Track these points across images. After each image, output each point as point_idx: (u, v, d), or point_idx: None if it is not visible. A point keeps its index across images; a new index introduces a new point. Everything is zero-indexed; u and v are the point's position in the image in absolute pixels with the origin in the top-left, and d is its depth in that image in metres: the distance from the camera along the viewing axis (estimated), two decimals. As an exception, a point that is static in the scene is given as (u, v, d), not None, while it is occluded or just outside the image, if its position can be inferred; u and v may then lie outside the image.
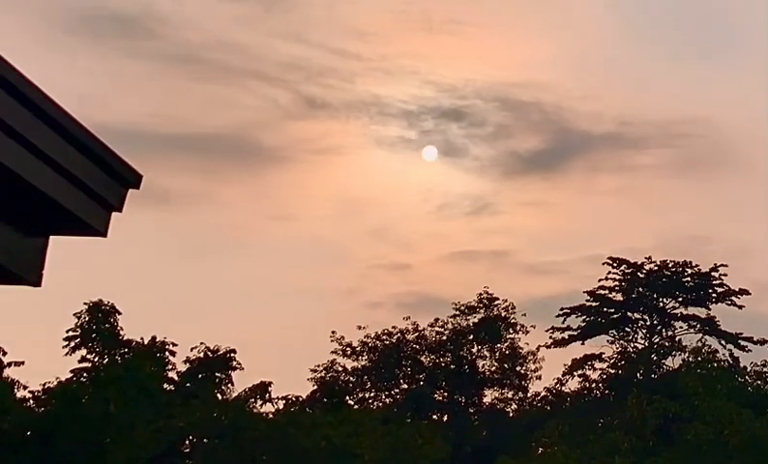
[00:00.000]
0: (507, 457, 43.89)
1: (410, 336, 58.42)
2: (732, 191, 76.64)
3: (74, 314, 38.56)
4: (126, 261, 62.01)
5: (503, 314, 58.50)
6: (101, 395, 31.69)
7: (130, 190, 5.22)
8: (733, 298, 56.87)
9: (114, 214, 5.21)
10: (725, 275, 56.98)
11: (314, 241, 76.09)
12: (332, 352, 57.29)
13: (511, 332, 58.30)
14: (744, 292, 56.69)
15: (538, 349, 58.09)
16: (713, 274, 57.09)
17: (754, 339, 55.19)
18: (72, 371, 34.96)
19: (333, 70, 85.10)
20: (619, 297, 57.92)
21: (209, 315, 66.40)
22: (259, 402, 40.81)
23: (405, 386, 58.31)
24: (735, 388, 39.67)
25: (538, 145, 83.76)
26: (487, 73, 79.49)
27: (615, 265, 57.81)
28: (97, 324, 38.14)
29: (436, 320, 58.77)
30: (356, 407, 52.84)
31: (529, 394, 57.33)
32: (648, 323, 57.95)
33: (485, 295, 58.77)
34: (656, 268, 57.63)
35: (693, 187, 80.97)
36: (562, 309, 57.88)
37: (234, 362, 43.21)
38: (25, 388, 34.08)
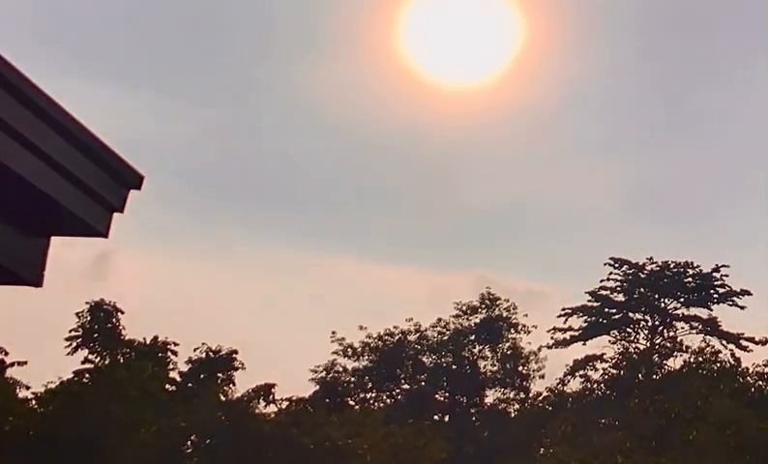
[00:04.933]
0: (509, 458, 43.92)
1: (411, 337, 58.37)
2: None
3: (77, 314, 38.56)
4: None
5: (505, 314, 58.48)
6: (102, 396, 31.70)
7: (131, 191, 5.22)
8: (734, 298, 56.85)
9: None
10: (727, 275, 57.02)
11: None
12: (333, 352, 57.30)
13: (512, 332, 58.29)
14: (745, 292, 56.67)
15: (539, 349, 58.12)
16: (714, 274, 57.07)
17: (756, 340, 55.15)
18: (74, 372, 34.94)
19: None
20: (621, 297, 57.89)
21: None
22: (262, 403, 40.81)
23: (407, 386, 58.24)
24: (737, 388, 39.62)
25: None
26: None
27: (617, 266, 57.79)
28: (99, 324, 38.11)
29: (438, 320, 58.76)
30: (357, 408, 52.81)
31: (531, 395, 57.29)
32: (650, 323, 57.91)
33: (486, 295, 58.77)
34: (657, 268, 57.59)
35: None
36: (564, 310, 57.92)
37: (236, 363, 43.23)
38: (27, 388, 34.11)
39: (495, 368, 58.10)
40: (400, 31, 71.56)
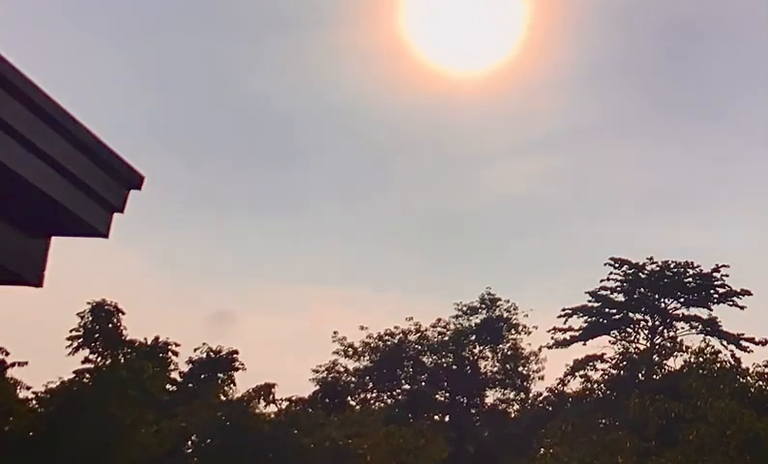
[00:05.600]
0: (509, 458, 43.96)
1: (412, 337, 58.41)
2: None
3: (78, 314, 38.53)
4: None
5: (505, 315, 58.51)
6: (103, 396, 31.69)
7: (131, 191, 5.23)
8: (735, 298, 56.83)
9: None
10: (727, 275, 56.99)
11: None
12: (334, 352, 57.34)
13: (513, 332, 58.32)
14: (745, 292, 56.65)
15: (540, 350, 58.16)
16: (714, 274, 57.04)
17: (756, 340, 55.18)
18: (74, 372, 34.92)
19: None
20: (621, 297, 57.88)
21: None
22: (262, 403, 40.83)
23: (407, 386, 58.29)
24: (737, 388, 39.60)
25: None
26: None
27: (617, 266, 57.78)
28: (100, 324, 38.08)
29: (438, 320, 58.82)
30: (357, 407, 52.83)
31: (531, 395, 57.33)
32: (650, 323, 57.90)
33: (487, 296, 58.79)
34: (657, 268, 57.58)
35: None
36: (564, 310, 57.91)
37: (236, 363, 43.27)
38: (28, 388, 34.04)
39: (496, 369, 58.17)
40: (403, 18, 71.57)
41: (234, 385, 42.17)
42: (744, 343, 55.39)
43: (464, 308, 58.79)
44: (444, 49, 70.35)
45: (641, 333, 57.85)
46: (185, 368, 42.81)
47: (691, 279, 57.42)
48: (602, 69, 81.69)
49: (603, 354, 54.85)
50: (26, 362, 33.78)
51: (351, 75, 79.38)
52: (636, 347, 56.64)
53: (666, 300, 57.80)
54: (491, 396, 58.34)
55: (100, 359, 37.05)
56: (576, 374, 53.52)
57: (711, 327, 56.46)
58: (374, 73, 77.27)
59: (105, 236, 5.19)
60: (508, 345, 58.17)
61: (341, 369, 56.76)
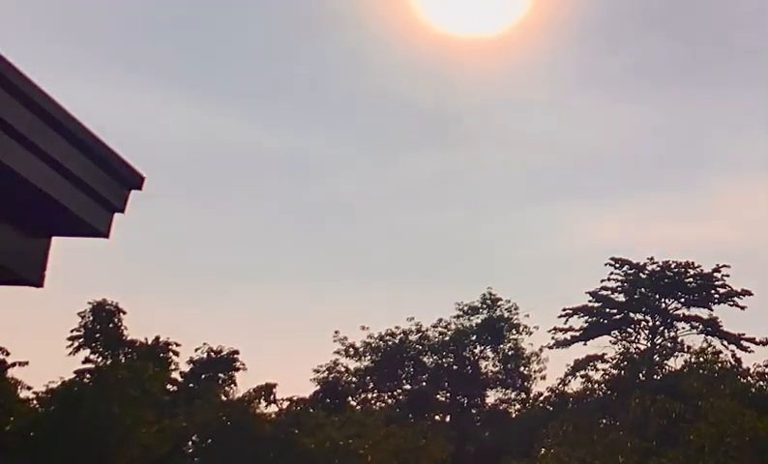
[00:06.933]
0: (510, 458, 44.01)
1: (413, 337, 58.38)
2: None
3: (79, 314, 38.56)
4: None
5: (506, 315, 58.48)
6: (104, 396, 31.69)
7: (132, 191, 5.24)
8: (735, 298, 56.82)
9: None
10: (728, 275, 56.99)
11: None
12: (335, 352, 57.33)
13: (514, 332, 58.29)
14: (746, 293, 56.65)
15: (541, 350, 58.13)
16: (715, 274, 57.04)
17: (757, 340, 55.20)
18: (75, 372, 34.94)
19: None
20: (621, 298, 57.89)
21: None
22: (263, 403, 40.84)
23: (408, 386, 58.27)
24: (738, 388, 39.65)
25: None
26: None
27: (618, 266, 57.79)
28: (100, 324, 38.10)
29: (439, 320, 58.77)
30: (358, 407, 52.82)
31: (532, 395, 57.32)
32: (650, 324, 57.91)
33: (488, 296, 58.76)
34: (658, 268, 57.59)
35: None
36: (564, 310, 57.91)
37: (237, 363, 43.27)
38: (29, 388, 34.06)
39: (497, 369, 58.13)
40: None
41: (235, 385, 42.22)
42: (745, 343, 55.43)
43: (465, 308, 58.79)
44: (452, 15, 69.66)
45: (642, 334, 57.88)
46: (185, 368, 42.83)
47: (691, 279, 57.43)
48: (615, 20, 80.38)
49: (603, 354, 54.90)
50: (27, 362, 33.79)
51: (359, 46, 78.88)
52: (637, 347, 56.67)
53: (667, 300, 57.80)
54: (492, 396, 58.37)
55: (100, 359, 37.07)
56: (577, 374, 53.55)
57: (712, 327, 56.46)
58: (383, 43, 76.41)
59: (106, 236, 5.20)
60: (509, 345, 58.14)
61: (342, 369, 56.77)
